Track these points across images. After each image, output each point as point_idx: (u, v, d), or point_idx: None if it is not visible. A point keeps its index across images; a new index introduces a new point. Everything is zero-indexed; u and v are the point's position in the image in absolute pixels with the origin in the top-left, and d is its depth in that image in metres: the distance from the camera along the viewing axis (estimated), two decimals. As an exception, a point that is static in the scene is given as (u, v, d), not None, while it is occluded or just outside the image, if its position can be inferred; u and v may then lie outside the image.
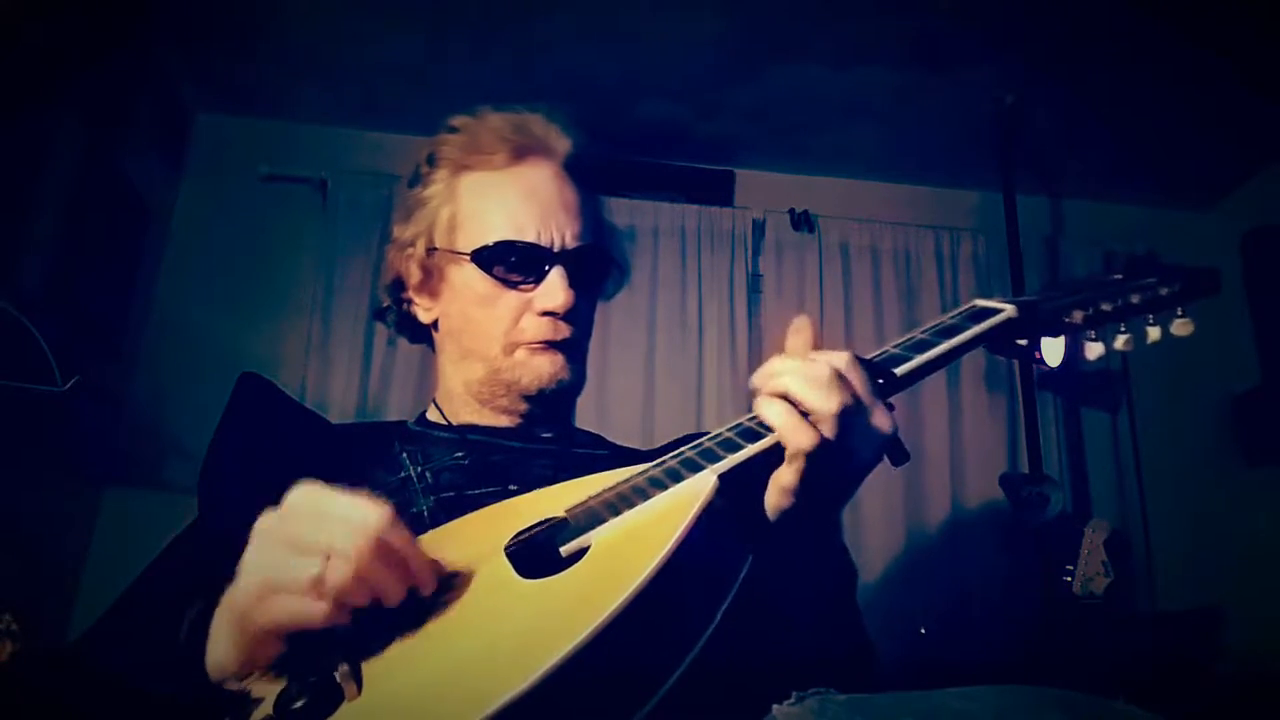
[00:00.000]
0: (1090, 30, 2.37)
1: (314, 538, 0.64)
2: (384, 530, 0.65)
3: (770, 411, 0.73)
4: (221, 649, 0.69)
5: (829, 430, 0.70)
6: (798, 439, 0.71)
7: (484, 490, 0.97)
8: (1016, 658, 2.37)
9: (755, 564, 0.70)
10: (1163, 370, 2.97)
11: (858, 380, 0.73)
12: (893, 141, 2.90)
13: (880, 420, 0.73)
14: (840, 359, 0.73)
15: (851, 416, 0.71)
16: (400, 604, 0.67)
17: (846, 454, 0.72)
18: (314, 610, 0.63)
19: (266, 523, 0.67)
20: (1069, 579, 2.16)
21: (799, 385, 0.71)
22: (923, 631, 2.37)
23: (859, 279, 2.93)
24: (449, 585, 0.71)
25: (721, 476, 0.72)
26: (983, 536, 2.71)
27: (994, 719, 0.57)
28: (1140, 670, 2.15)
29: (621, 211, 2.81)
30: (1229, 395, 2.96)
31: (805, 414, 0.71)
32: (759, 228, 2.96)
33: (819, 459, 0.71)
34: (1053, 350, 2.41)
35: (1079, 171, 3.02)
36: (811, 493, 0.73)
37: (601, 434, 1.20)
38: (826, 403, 0.70)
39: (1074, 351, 2.47)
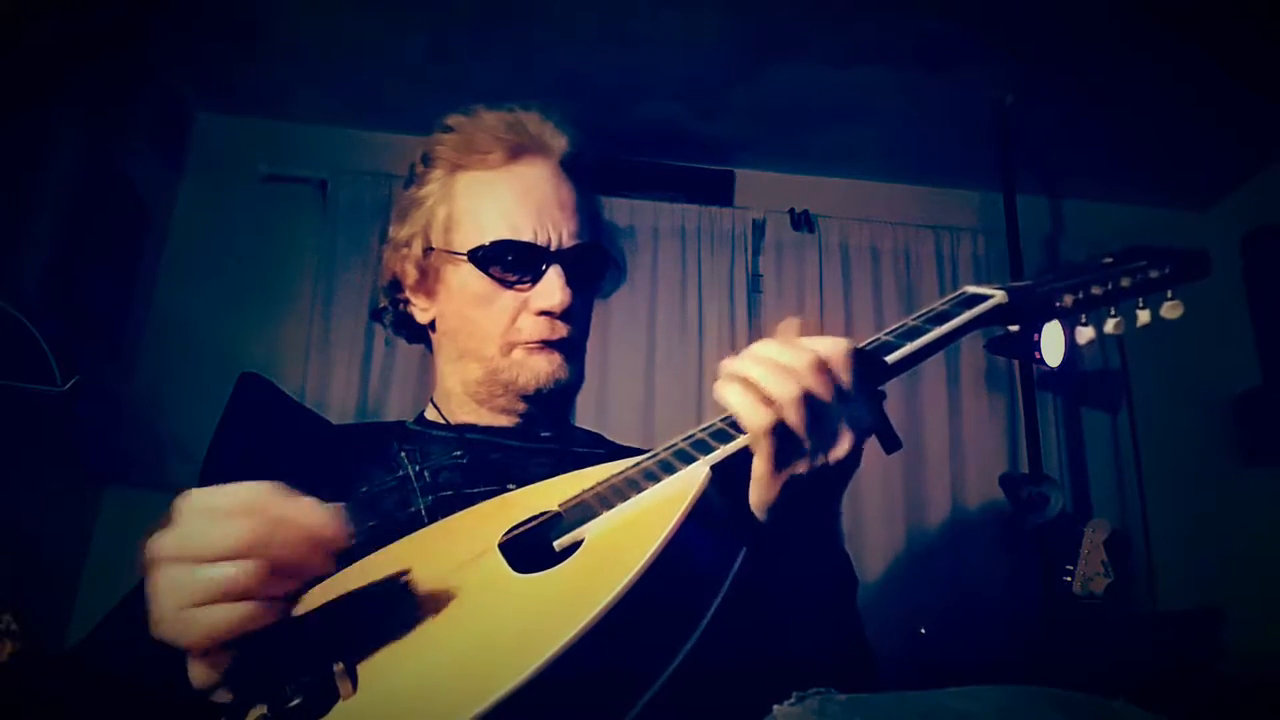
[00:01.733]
0: (1090, 30, 2.37)
1: (211, 542, 0.61)
2: (274, 508, 0.62)
3: (726, 392, 0.71)
4: (193, 669, 0.67)
5: (791, 414, 0.69)
6: (752, 419, 0.69)
7: (482, 489, 0.97)
8: (1016, 658, 2.37)
9: (751, 564, 0.69)
10: (1163, 370, 2.98)
11: (843, 371, 0.71)
12: (893, 141, 2.90)
13: (856, 416, 0.71)
14: (833, 349, 0.72)
15: (823, 406, 0.70)
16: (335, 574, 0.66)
17: (818, 444, 0.70)
18: (240, 615, 0.60)
19: (158, 544, 0.63)
20: (1069, 579, 2.16)
21: (758, 370, 0.70)
22: (923, 631, 2.37)
23: (859, 279, 2.93)
24: (444, 581, 0.72)
25: (714, 467, 0.71)
26: (983, 536, 2.71)
27: (995, 718, 0.57)
28: (1140, 670, 2.15)
29: (621, 211, 2.81)
30: (1229, 395, 2.95)
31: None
32: (759, 228, 2.96)
33: (784, 445, 0.70)
34: (1053, 350, 2.41)
35: (1079, 171, 3.02)
36: (788, 485, 0.72)
37: (601, 433, 1.20)
38: (783, 388, 0.68)
39: (1074, 352, 2.48)
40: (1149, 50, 2.42)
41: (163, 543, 0.62)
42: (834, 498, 0.80)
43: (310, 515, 0.63)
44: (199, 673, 0.66)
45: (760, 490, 0.73)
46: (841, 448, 0.71)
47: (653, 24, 2.42)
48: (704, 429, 0.77)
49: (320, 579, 0.66)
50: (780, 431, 0.69)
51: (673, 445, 0.77)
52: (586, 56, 2.55)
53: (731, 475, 0.73)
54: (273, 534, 0.61)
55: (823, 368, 0.70)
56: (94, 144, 2.24)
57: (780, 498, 0.73)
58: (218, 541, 0.61)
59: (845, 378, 0.71)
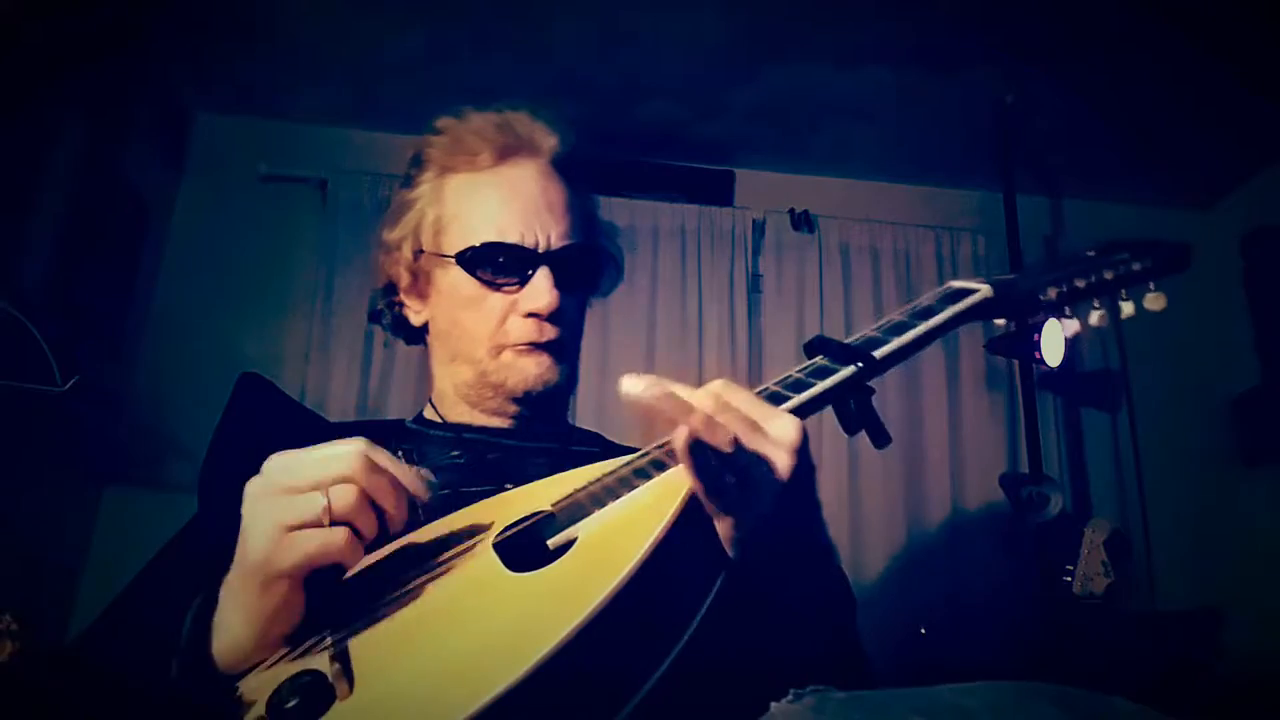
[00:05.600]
0: (1090, 30, 2.37)
1: (308, 476, 0.67)
2: (367, 450, 0.68)
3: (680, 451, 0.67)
4: (235, 627, 0.70)
5: (723, 457, 0.65)
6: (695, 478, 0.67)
7: (479, 488, 0.97)
8: (1016, 658, 2.37)
9: (743, 578, 0.69)
10: (1163, 370, 2.98)
11: (735, 399, 0.68)
12: (893, 141, 2.90)
13: (780, 428, 0.67)
14: (711, 387, 0.69)
15: (743, 438, 0.66)
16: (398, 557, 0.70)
17: (759, 477, 0.67)
18: (335, 538, 0.66)
19: (255, 485, 0.69)
20: (1069, 579, 2.16)
21: (706, 430, 0.65)
22: (923, 632, 2.37)
23: (859, 279, 2.93)
24: (439, 581, 0.72)
25: None
26: (983, 537, 2.71)
27: (990, 713, 0.56)
28: (1140, 670, 2.15)
29: (621, 211, 2.81)
30: (1229, 395, 2.95)
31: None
32: (759, 228, 2.96)
33: (734, 498, 0.67)
34: (1052, 350, 2.41)
35: (1079, 171, 3.02)
36: (758, 529, 0.69)
37: (600, 433, 1.20)
38: (720, 437, 0.65)
39: (1074, 352, 2.48)
40: (1149, 50, 2.42)
41: (259, 483, 0.69)
42: (808, 511, 0.78)
43: (398, 466, 0.70)
44: (246, 633, 0.69)
45: (732, 549, 0.71)
46: (780, 464, 0.67)
47: (653, 24, 2.42)
48: None
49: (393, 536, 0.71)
50: (721, 484, 0.67)
51: (664, 444, 0.77)
52: (586, 56, 2.55)
53: None
54: (367, 472, 0.67)
55: (723, 408, 0.67)
56: (94, 144, 2.25)
57: (754, 542, 0.70)
58: (319, 472, 0.67)
59: (742, 404, 0.68)
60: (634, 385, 0.66)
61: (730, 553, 0.71)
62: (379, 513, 0.68)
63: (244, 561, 0.68)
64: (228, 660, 0.70)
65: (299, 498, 0.66)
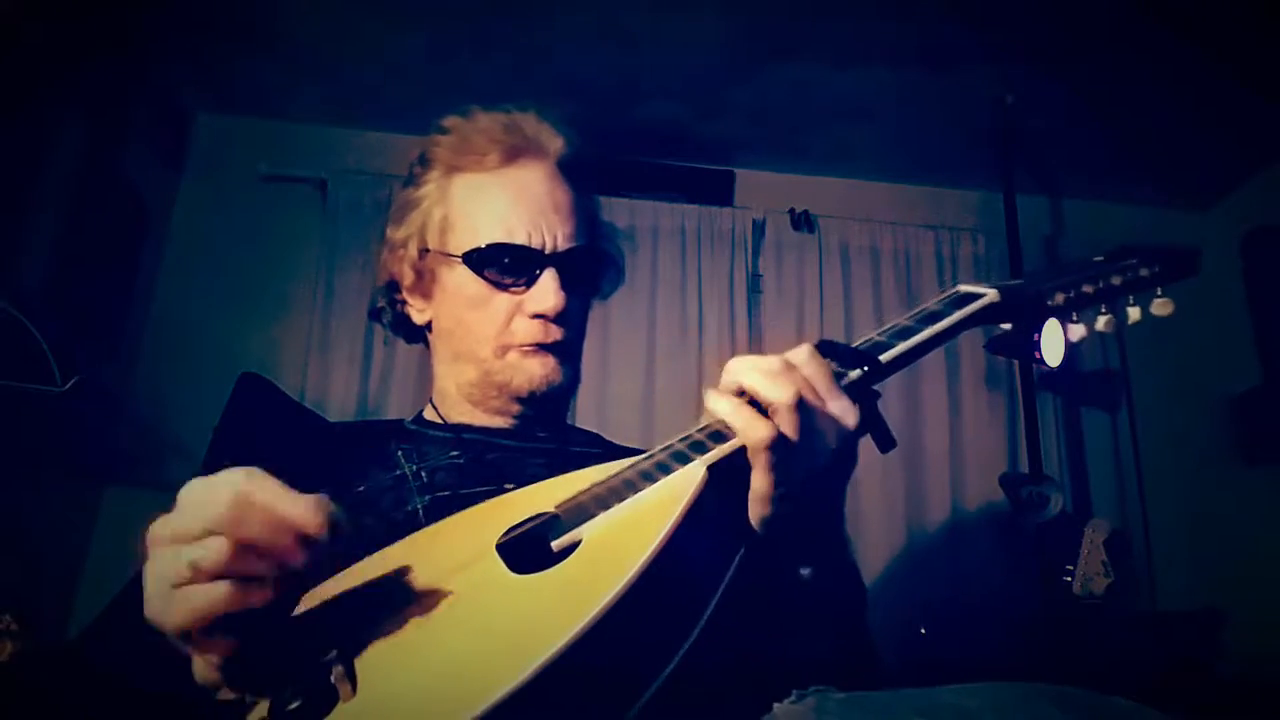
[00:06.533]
0: (1090, 30, 2.37)
1: (186, 525, 0.62)
2: (243, 490, 0.61)
3: (721, 407, 0.72)
4: (195, 664, 0.67)
5: (786, 423, 0.70)
6: (754, 432, 0.70)
7: (478, 489, 0.97)
8: (1016, 658, 2.37)
9: (754, 570, 0.69)
10: (1163, 370, 2.98)
11: (814, 371, 0.72)
12: (893, 141, 2.90)
13: (842, 410, 0.72)
14: (797, 352, 0.73)
15: (810, 407, 0.71)
16: (324, 569, 0.66)
17: (810, 448, 0.71)
18: (212, 594, 0.60)
19: (152, 528, 0.64)
20: (1069, 579, 2.16)
21: (753, 377, 0.71)
22: (923, 632, 2.37)
23: (859, 279, 2.93)
24: (441, 583, 0.72)
25: (711, 468, 0.71)
26: (983, 537, 2.71)
27: (990, 713, 0.57)
28: (1140, 670, 2.15)
29: (621, 211, 2.81)
30: (1229, 395, 2.95)
31: (762, 409, 0.71)
32: (759, 228, 2.97)
33: (783, 456, 0.70)
34: (1052, 350, 2.41)
35: (1079, 171, 3.02)
36: (788, 498, 0.72)
37: (600, 434, 1.20)
38: (780, 392, 0.70)
39: (1074, 351, 2.48)
40: (1149, 50, 2.42)
41: (154, 526, 0.64)
42: (835, 501, 0.80)
43: (282, 500, 0.62)
44: (198, 667, 0.66)
45: (761, 506, 0.73)
46: (834, 448, 0.71)
47: (653, 24, 2.42)
48: (700, 430, 0.76)
49: (310, 575, 0.65)
50: (779, 442, 0.70)
51: (669, 446, 0.77)
52: (586, 57, 2.55)
53: (728, 476, 0.73)
54: (243, 515, 0.60)
55: (796, 370, 0.71)
56: (94, 144, 2.25)
57: (782, 511, 0.73)
58: (194, 522, 0.61)
59: (817, 377, 0.72)
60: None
61: (760, 516, 0.73)
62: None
63: (145, 610, 0.64)
64: (201, 683, 0.67)
65: (176, 550, 0.61)
